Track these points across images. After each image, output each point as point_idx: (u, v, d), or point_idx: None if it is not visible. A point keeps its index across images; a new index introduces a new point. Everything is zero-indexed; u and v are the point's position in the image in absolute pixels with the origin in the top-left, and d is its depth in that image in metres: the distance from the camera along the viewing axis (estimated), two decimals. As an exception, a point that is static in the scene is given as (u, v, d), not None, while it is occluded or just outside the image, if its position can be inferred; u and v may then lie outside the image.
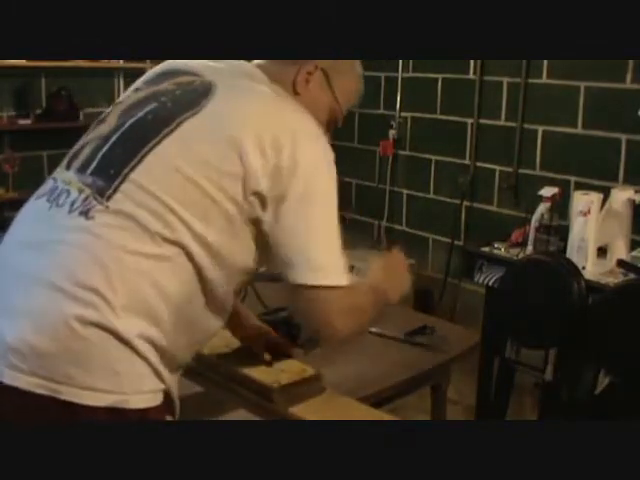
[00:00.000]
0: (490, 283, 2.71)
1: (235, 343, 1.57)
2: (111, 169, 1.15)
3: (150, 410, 1.11)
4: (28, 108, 3.77)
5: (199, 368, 1.49)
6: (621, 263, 2.42)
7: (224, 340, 1.57)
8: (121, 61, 3.97)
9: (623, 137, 2.96)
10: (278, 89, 1.24)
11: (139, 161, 1.14)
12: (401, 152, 3.96)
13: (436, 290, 3.78)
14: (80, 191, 1.15)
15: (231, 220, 1.14)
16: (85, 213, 1.12)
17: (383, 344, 1.82)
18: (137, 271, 1.09)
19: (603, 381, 2.29)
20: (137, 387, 1.11)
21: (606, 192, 2.55)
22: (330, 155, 1.27)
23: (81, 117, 3.87)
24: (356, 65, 1.37)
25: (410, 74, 3.86)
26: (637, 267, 2.39)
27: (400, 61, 3.85)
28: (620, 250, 2.52)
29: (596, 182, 2.99)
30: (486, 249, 2.81)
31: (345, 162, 4.28)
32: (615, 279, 2.39)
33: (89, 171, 1.17)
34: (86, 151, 1.20)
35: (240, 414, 1.53)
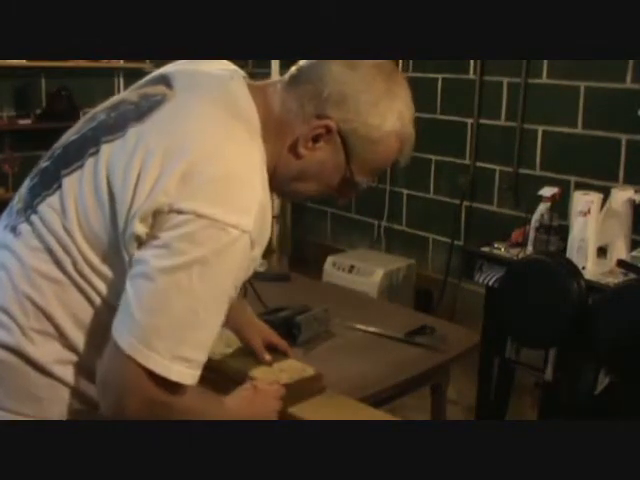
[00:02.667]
0: (490, 283, 2.71)
1: (235, 343, 1.57)
2: (39, 186, 1.10)
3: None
4: (28, 108, 3.78)
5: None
6: (621, 263, 2.42)
7: (224, 340, 1.57)
8: (121, 61, 3.97)
9: (623, 137, 2.96)
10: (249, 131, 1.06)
11: (59, 185, 1.07)
12: (401, 152, 3.96)
13: (436, 290, 3.78)
14: (18, 202, 1.13)
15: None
16: (14, 229, 1.09)
17: (383, 344, 1.83)
18: (48, 295, 1.04)
19: (603, 381, 2.29)
20: (59, 410, 1.07)
21: (606, 192, 2.55)
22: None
23: (81, 117, 3.86)
24: (391, 126, 1.12)
25: (410, 74, 3.86)
26: (637, 267, 2.39)
27: (400, 61, 3.85)
28: (620, 250, 2.52)
29: (596, 182, 3.00)
30: (486, 249, 2.81)
31: (345, 162, 4.31)
32: (615, 279, 2.39)
33: (32, 183, 1.13)
34: (43, 159, 1.16)
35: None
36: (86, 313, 1.06)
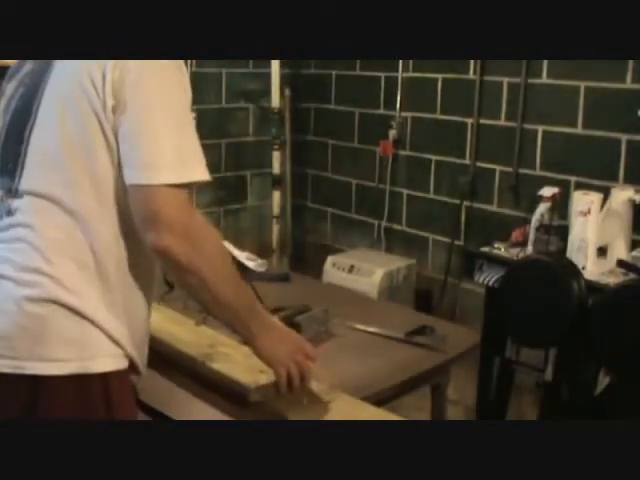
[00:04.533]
0: (490, 283, 2.71)
1: (219, 344, 1.58)
2: (9, 163, 1.23)
3: (111, 375, 1.20)
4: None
5: (181, 369, 1.54)
6: (621, 263, 2.42)
7: (208, 339, 1.57)
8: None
9: (623, 137, 2.96)
10: None
11: (27, 144, 1.21)
12: (401, 152, 3.96)
13: (436, 290, 3.78)
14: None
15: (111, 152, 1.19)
16: (7, 212, 1.22)
17: (383, 344, 1.83)
18: (64, 240, 1.18)
19: (603, 381, 2.29)
20: (94, 352, 1.19)
21: (606, 192, 2.55)
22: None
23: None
24: None
25: (410, 74, 3.86)
26: (637, 267, 2.39)
27: (400, 61, 3.85)
28: (620, 250, 2.52)
29: (596, 182, 2.99)
30: (486, 249, 2.81)
31: (345, 162, 4.31)
32: (615, 279, 2.39)
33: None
34: None
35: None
36: (99, 242, 1.19)
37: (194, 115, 1.27)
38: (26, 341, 1.16)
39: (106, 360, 1.20)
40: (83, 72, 1.16)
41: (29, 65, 1.28)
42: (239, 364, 1.49)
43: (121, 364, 1.23)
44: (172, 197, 1.14)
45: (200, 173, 1.18)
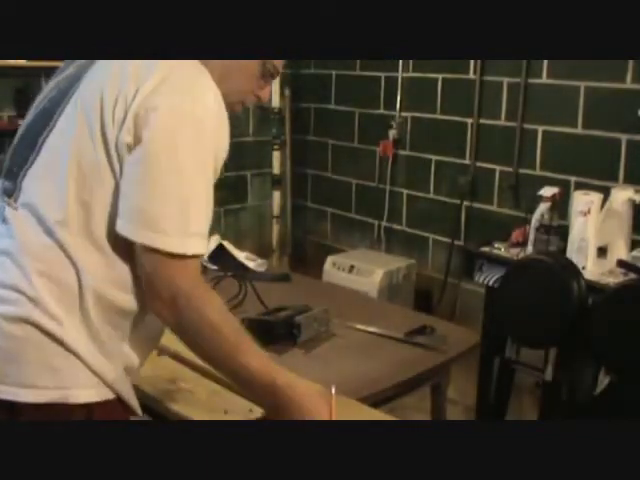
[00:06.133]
0: (490, 283, 2.71)
1: (181, 379, 1.48)
2: (15, 167, 1.18)
3: (96, 406, 1.11)
4: (28, 108, 3.77)
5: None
6: (621, 263, 2.42)
7: (169, 373, 1.48)
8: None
9: (623, 137, 2.96)
10: None
11: (37, 152, 1.15)
12: (401, 152, 3.96)
13: (436, 290, 3.78)
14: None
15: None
16: (3, 219, 1.16)
17: (383, 344, 1.82)
18: (50, 260, 1.10)
19: (603, 381, 2.29)
20: (75, 382, 1.11)
21: (606, 192, 2.55)
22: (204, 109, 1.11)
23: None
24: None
25: (410, 74, 3.86)
26: (637, 267, 2.39)
27: (400, 61, 3.85)
28: (620, 250, 2.52)
29: (596, 182, 2.99)
30: (486, 249, 2.81)
31: (345, 162, 4.31)
32: (615, 279, 2.39)
33: (4, 174, 1.20)
34: (8, 153, 1.23)
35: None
36: (87, 265, 1.11)
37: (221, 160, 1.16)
38: (1, 362, 1.08)
39: (89, 391, 1.12)
40: (108, 92, 1.09)
41: (71, 68, 1.22)
42: (202, 404, 1.38)
43: (105, 395, 1.14)
44: (178, 266, 1.07)
45: (201, 247, 1.10)
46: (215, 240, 2.47)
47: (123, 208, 1.08)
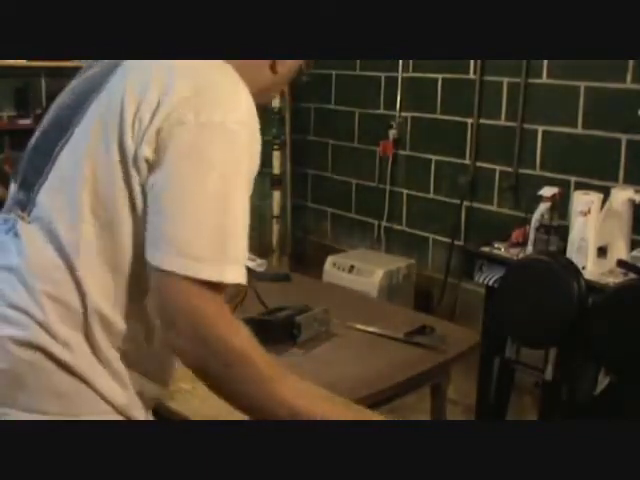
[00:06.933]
0: (490, 283, 2.71)
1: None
2: (29, 177, 1.10)
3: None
4: (28, 108, 3.77)
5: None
6: (621, 263, 2.42)
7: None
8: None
9: (623, 137, 2.96)
10: None
11: (52, 164, 1.08)
12: (401, 152, 3.96)
13: (436, 290, 3.78)
14: (10, 209, 1.12)
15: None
16: (15, 234, 1.08)
17: (383, 344, 1.82)
18: (58, 281, 1.03)
19: (603, 381, 2.29)
20: (86, 409, 1.05)
21: (606, 192, 2.55)
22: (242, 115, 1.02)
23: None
24: None
25: (410, 74, 3.86)
26: (637, 267, 2.39)
27: (400, 61, 3.85)
28: (620, 250, 2.52)
29: (596, 182, 2.99)
30: (486, 249, 2.81)
31: (345, 162, 4.31)
32: (615, 279, 2.39)
33: (18, 183, 1.13)
34: (23, 160, 1.16)
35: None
36: (95, 286, 1.04)
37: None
38: (9, 387, 1.03)
39: (97, 417, 1.06)
40: (128, 100, 1.01)
41: (95, 68, 1.14)
42: (202, 404, 1.36)
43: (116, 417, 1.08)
44: (207, 296, 0.96)
45: (239, 275, 1.00)
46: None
47: (152, 235, 0.98)
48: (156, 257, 0.97)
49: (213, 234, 0.97)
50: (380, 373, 1.67)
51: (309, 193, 4.59)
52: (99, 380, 1.06)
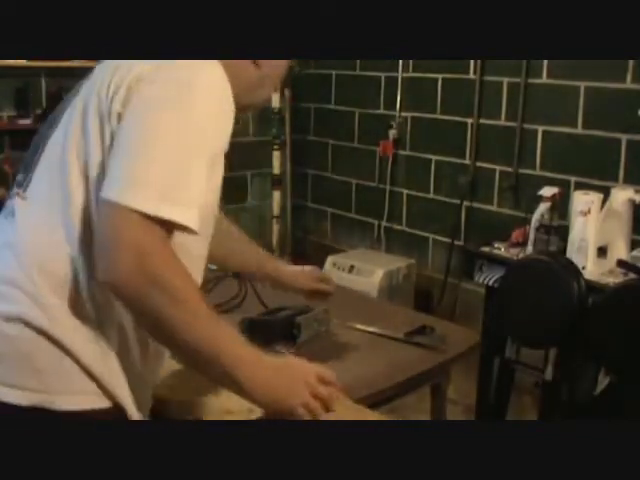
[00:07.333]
0: (490, 283, 2.71)
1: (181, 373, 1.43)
2: (29, 158, 1.17)
3: (85, 415, 1.05)
4: (28, 108, 3.77)
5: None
6: (621, 263, 2.42)
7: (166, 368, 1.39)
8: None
9: (623, 137, 2.96)
10: None
11: (45, 144, 1.15)
12: (401, 152, 3.96)
13: (436, 290, 3.78)
14: (12, 193, 1.18)
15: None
16: (12, 213, 1.13)
17: (383, 344, 1.82)
18: (49, 253, 1.06)
19: (603, 381, 2.29)
20: (64, 387, 1.05)
21: (606, 192, 2.55)
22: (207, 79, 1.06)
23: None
24: None
25: (410, 74, 3.86)
26: (637, 267, 2.39)
27: (400, 61, 3.85)
28: (620, 250, 2.52)
29: (596, 182, 2.99)
30: (486, 249, 2.81)
31: (345, 162, 4.31)
32: (615, 279, 2.39)
33: (21, 169, 1.20)
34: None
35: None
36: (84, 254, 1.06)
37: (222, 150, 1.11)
38: None
39: (78, 398, 1.06)
40: (105, 79, 1.09)
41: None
42: (202, 404, 1.35)
43: (98, 403, 1.07)
44: (143, 226, 0.96)
45: (189, 218, 1.00)
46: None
47: (108, 175, 1.01)
48: (108, 192, 0.99)
49: (166, 174, 0.99)
50: (380, 373, 1.66)
51: (309, 193, 4.59)
52: (87, 356, 1.06)
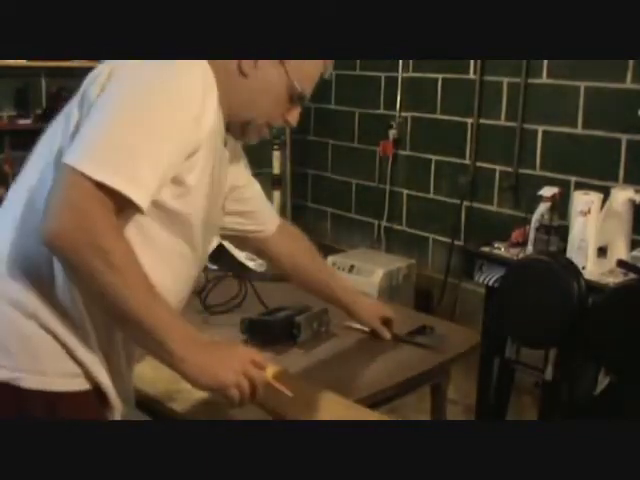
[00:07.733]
0: (490, 283, 2.71)
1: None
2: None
3: (59, 396, 1.05)
4: (28, 108, 3.77)
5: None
6: (621, 263, 2.42)
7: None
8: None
9: (623, 137, 2.96)
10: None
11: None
12: (401, 152, 3.96)
13: (436, 290, 3.78)
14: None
15: None
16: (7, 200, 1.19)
17: (383, 344, 1.82)
18: (29, 235, 1.07)
19: (603, 381, 2.29)
20: (33, 365, 1.05)
21: (606, 192, 2.55)
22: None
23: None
24: None
25: (410, 74, 3.86)
26: (637, 267, 2.39)
27: (400, 61, 3.85)
28: (620, 250, 2.52)
29: (596, 182, 2.99)
30: (486, 249, 2.81)
31: (345, 162, 4.31)
32: (615, 279, 2.39)
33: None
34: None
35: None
36: None
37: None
38: None
39: (52, 379, 1.06)
40: (90, 80, 1.13)
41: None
42: (202, 404, 1.36)
43: (74, 385, 1.07)
44: (93, 193, 0.98)
45: (132, 192, 1.00)
46: (215, 240, 2.46)
47: (73, 142, 1.04)
48: (68, 157, 1.01)
49: (126, 151, 1.01)
50: (380, 373, 1.66)
51: (309, 193, 4.59)
52: (65, 333, 1.07)
